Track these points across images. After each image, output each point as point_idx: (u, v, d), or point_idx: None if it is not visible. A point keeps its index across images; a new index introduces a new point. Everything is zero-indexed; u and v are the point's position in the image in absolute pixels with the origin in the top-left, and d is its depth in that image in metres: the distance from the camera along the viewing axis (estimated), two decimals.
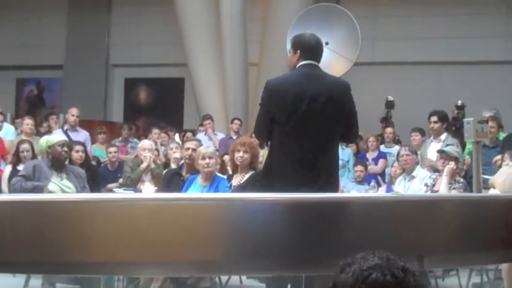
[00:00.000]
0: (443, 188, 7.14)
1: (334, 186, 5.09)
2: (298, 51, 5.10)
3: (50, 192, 6.69)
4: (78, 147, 8.49)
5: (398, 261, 2.04)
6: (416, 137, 9.98)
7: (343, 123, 5.14)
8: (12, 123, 12.01)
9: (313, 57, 5.10)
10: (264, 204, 3.58)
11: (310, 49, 5.12)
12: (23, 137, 9.69)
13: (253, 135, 5.16)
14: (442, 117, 8.91)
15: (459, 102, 12.02)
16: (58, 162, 7.01)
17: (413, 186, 7.87)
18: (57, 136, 7.62)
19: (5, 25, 17.46)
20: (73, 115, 10.93)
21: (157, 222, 3.41)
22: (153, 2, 16.39)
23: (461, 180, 7.44)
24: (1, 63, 17.66)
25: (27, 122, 10.11)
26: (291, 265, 3.58)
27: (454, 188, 7.22)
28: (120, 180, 9.51)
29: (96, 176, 8.99)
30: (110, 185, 9.49)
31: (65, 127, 10.92)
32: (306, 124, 4.92)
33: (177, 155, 8.34)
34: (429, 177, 7.71)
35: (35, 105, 18.22)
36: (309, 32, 5.48)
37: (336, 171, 5.31)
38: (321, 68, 5.15)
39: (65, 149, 7.10)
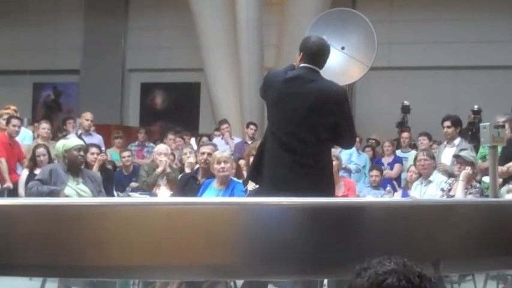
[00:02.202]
0: (459, 193, 7.11)
1: (328, 191, 5.10)
2: (301, 53, 5.19)
3: (66, 196, 6.71)
4: (94, 150, 8.54)
5: (415, 267, 2.04)
6: (424, 141, 10.01)
7: (332, 128, 5.08)
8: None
9: (314, 62, 5.17)
10: (279, 208, 3.58)
11: (310, 53, 5.18)
12: (40, 141, 9.73)
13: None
14: (455, 122, 8.88)
15: (475, 107, 11.99)
16: (74, 166, 7.03)
17: (430, 191, 7.84)
18: (73, 140, 7.63)
19: (22, 30, 17.56)
20: (87, 119, 10.98)
21: (172, 226, 3.41)
22: (169, 7, 16.44)
23: (478, 185, 7.42)
24: (18, 68, 17.76)
25: (44, 126, 10.15)
26: (306, 269, 3.57)
27: (470, 193, 7.19)
28: (132, 184, 9.55)
29: (111, 179, 9.03)
30: (132, 184, 9.57)
31: (79, 131, 10.97)
32: (291, 124, 4.98)
33: (191, 159, 8.35)
34: (445, 182, 7.68)
35: (51, 109, 18.31)
36: (318, 36, 5.54)
37: (327, 178, 5.25)
38: (320, 73, 5.20)
39: (81, 153, 7.12)
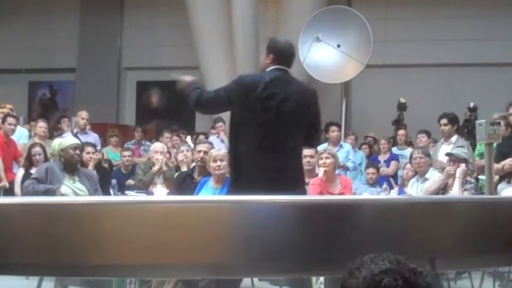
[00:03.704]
0: (456, 190, 7.13)
1: (302, 192, 5.21)
2: (271, 55, 5.20)
3: (63, 195, 6.71)
4: (89, 149, 8.55)
5: (408, 264, 2.04)
6: (422, 139, 10.01)
7: (308, 128, 5.26)
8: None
9: (285, 63, 5.21)
10: (275, 206, 3.58)
11: (283, 55, 5.22)
12: (36, 140, 9.73)
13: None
14: (452, 120, 8.90)
15: (471, 104, 12.00)
16: (70, 165, 7.03)
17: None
18: (69, 139, 7.64)
19: (18, 28, 17.55)
20: (83, 118, 10.98)
21: (169, 224, 3.41)
22: (165, 5, 16.44)
23: (472, 180, 7.45)
24: (14, 67, 17.75)
25: (41, 125, 10.15)
26: (302, 267, 3.57)
27: (465, 189, 7.21)
28: (129, 181, 9.59)
29: (107, 178, 9.04)
30: (129, 181, 9.61)
31: (75, 130, 10.97)
32: (278, 128, 5.03)
33: (185, 157, 8.35)
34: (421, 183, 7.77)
35: (47, 108, 18.29)
36: (284, 38, 5.60)
37: (303, 177, 5.44)
38: (290, 74, 5.27)
39: (77, 152, 7.12)
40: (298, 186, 5.15)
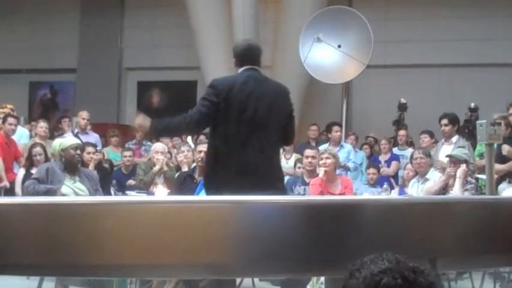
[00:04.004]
0: (457, 191, 7.13)
1: (282, 191, 5.30)
2: (235, 59, 5.38)
3: (63, 195, 6.71)
4: (90, 149, 8.55)
5: (408, 263, 2.04)
6: (425, 139, 9.99)
7: (285, 126, 5.34)
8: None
9: (252, 63, 5.31)
10: (276, 206, 3.58)
11: (245, 56, 5.34)
12: (37, 140, 9.73)
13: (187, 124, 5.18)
14: (453, 120, 8.91)
15: (472, 104, 11.98)
16: (71, 165, 7.03)
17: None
18: (70, 139, 7.64)
19: (18, 29, 17.54)
20: (83, 118, 10.98)
21: (170, 224, 3.41)
22: (165, 6, 16.43)
23: (473, 181, 7.44)
24: (14, 67, 17.74)
25: (42, 125, 10.16)
26: (303, 267, 3.57)
27: (465, 189, 7.21)
28: (130, 181, 9.61)
29: (107, 178, 9.05)
30: (130, 181, 9.63)
31: (76, 130, 10.97)
32: (253, 125, 5.09)
33: (185, 157, 8.36)
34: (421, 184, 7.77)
35: (48, 108, 18.28)
36: (244, 39, 5.73)
37: (281, 175, 5.51)
38: (262, 73, 5.38)
39: (78, 152, 7.12)
40: (277, 184, 5.21)
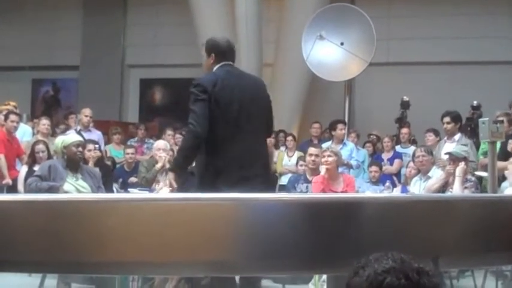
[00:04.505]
0: (457, 189, 7.12)
1: (272, 183, 5.47)
2: (213, 54, 5.32)
3: (66, 192, 6.72)
4: (91, 146, 8.55)
5: (413, 263, 2.03)
6: (430, 137, 9.95)
7: (266, 117, 5.45)
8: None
9: (229, 59, 5.34)
10: (279, 204, 3.58)
11: (224, 52, 5.35)
12: (39, 137, 9.73)
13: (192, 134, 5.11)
14: (455, 118, 8.89)
15: (475, 102, 11.97)
16: (73, 162, 7.03)
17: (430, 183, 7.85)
18: (72, 136, 7.64)
19: (21, 26, 17.56)
20: (86, 115, 10.98)
21: (172, 222, 3.41)
22: (168, 3, 16.45)
23: (473, 178, 7.43)
24: (17, 64, 17.77)
25: (44, 123, 10.15)
26: (305, 265, 3.57)
27: (465, 187, 7.20)
28: (132, 179, 9.62)
29: (109, 175, 9.06)
30: (132, 179, 9.64)
31: (78, 127, 10.97)
32: (242, 119, 5.16)
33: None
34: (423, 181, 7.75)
35: (50, 105, 18.31)
36: (221, 36, 5.77)
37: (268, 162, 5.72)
38: (237, 68, 5.46)
39: (80, 149, 7.12)
40: (269, 170, 5.46)
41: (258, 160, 5.26)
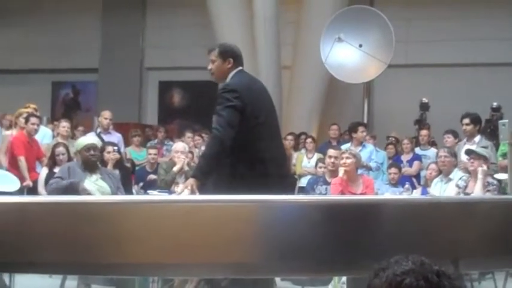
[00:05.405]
0: (478, 190, 7.08)
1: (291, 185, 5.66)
2: (231, 59, 5.31)
3: (85, 189, 6.74)
4: (110, 148, 8.58)
5: (433, 265, 2.03)
6: (448, 139, 9.92)
7: None
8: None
9: (242, 64, 5.39)
10: (299, 205, 3.58)
11: (240, 57, 5.37)
12: (59, 139, 9.78)
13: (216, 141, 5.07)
14: (475, 119, 8.84)
15: (494, 104, 11.91)
16: (88, 164, 7.06)
17: (450, 189, 7.80)
18: (85, 139, 7.67)
19: (41, 29, 17.67)
20: (106, 118, 11.01)
21: (191, 223, 3.42)
22: (186, 5, 16.46)
23: (495, 182, 7.38)
24: (37, 67, 17.86)
25: (64, 125, 10.20)
26: (325, 267, 3.57)
27: (488, 191, 7.15)
28: (151, 176, 9.66)
29: (128, 177, 9.08)
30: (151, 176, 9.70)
31: (98, 130, 11.02)
32: (272, 121, 5.35)
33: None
34: (460, 178, 7.63)
35: (70, 108, 18.39)
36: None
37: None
38: None
39: (92, 152, 7.11)
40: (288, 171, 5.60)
41: (286, 159, 5.39)
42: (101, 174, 7.10)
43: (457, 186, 7.50)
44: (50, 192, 6.92)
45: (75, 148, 7.20)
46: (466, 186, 7.39)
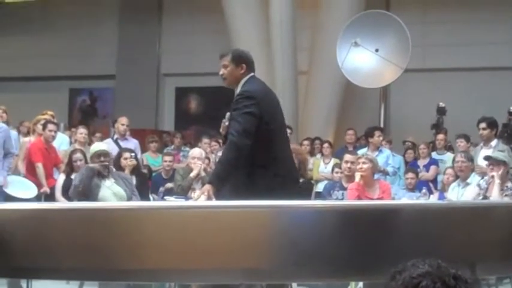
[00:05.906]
0: (495, 194, 7.05)
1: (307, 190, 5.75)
2: (244, 65, 5.31)
3: (99, 188, 6.82)
4: (127, 154, 8.61)
5: (450, 269, 2.02)
6: (461, 144, 9.90)
7: None
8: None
9: (254, 70, 5.38)
10: (314, 211, 3.58)
11: (252, 63, 5.38)
12: (77, 146, 9.82)
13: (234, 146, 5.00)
14: (491, 124, 8.79)
15: (511, 108, 11.84)
16: (99, 171, 7.13)
17: (468, 193, 7.76)
18: (95, 146, 7.72)
19: (58, 36, 17.76)
20: (122, 124, 11.03)
21: (207, 229, 3.43)
22: (203, 11, 16.49)
23: None
24: (54, 73, 17.95)
25: (81, 132, 10.25)
26: (341, 272, 3.56)
27: (506, 195, 7.11)
28: (168, 184, 9.67)
29: (145, 183, 9.11)
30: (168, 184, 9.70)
31: (115, 136, 11.05)
32: (284, 126, 5.48)
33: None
34: (482, 178, 7.58)
35: (87, 114, 18.47)
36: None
37: None
38: None
39: (102, 158, 7.18)
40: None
41: (296, 169, 5.45)
42: (115, 179, 7.15)
43: (479, 186, 7.46)
44: (71, 196, 7.06)
45: (90, 154, 7.28)
46: (487, 189, 7.35)
